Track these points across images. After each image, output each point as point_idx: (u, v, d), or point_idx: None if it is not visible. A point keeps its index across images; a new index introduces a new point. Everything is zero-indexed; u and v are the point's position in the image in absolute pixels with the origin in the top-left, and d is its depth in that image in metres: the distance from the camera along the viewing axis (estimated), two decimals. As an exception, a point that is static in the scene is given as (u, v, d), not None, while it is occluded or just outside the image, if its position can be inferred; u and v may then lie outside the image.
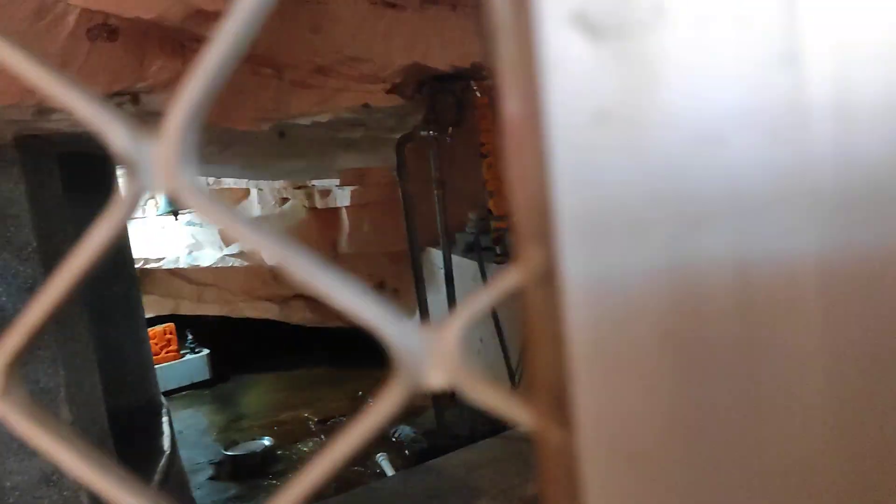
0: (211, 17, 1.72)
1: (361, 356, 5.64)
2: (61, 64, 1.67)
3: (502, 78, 0.19)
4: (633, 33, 0.18)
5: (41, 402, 2.12)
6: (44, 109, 1.73)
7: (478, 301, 0.21)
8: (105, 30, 1.67)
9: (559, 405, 0.20)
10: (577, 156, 0.18)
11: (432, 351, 0.22)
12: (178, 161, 0.23)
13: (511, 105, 0.19)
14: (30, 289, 2.09)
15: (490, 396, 0.22)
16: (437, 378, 0.23)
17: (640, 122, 0.18)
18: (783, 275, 0.20)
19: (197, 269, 5.26)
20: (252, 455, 3.95)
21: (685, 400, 0.20)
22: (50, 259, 2.14)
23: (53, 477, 2.11)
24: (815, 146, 0.19)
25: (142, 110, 1.97)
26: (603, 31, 0.18)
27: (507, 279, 0.21)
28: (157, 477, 2.87)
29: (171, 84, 1.94)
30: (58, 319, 2.15)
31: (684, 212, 0.19)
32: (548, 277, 0.19)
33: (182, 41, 1.90)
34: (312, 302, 5.59)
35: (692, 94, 0.18)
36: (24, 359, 0.24)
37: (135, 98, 1.92)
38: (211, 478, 3.90)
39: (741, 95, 0.19)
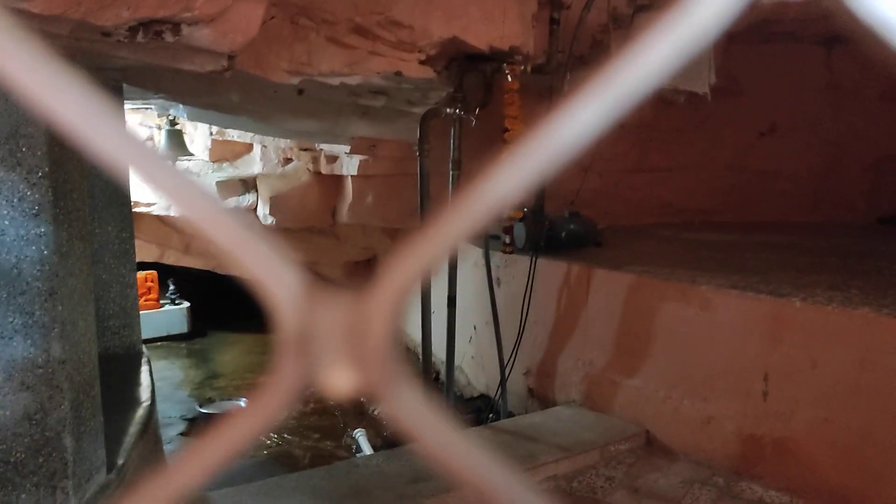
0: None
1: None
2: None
3: None
4: None
5: (31, 336, 2.01)
6: (82, 26, 1.61)
7: (412, 273, 0.18)
8: (161, -50, 1.55)
9: None
10: None
11: (342, 338, 0.16)
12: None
13: None
14: (35, 215, 1.96)
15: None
16: (340, 377, 0.16)
17: None
18: None
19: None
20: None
21: None
22: (60, 187, 2.02)
23: (36, 416, 2.00)
24: None
25: (180, 42, 1.86)
26: None
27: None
28: (134, 428, 2.77)
29: (216, 19, 1.83)
30: (61, 252, 2.03)
31: None
32: None
33: (235, -25, 1.79)
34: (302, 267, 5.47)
35: None
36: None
37: (176, 28, 1.81)
38: (182, 433, 3.80)
39: None
